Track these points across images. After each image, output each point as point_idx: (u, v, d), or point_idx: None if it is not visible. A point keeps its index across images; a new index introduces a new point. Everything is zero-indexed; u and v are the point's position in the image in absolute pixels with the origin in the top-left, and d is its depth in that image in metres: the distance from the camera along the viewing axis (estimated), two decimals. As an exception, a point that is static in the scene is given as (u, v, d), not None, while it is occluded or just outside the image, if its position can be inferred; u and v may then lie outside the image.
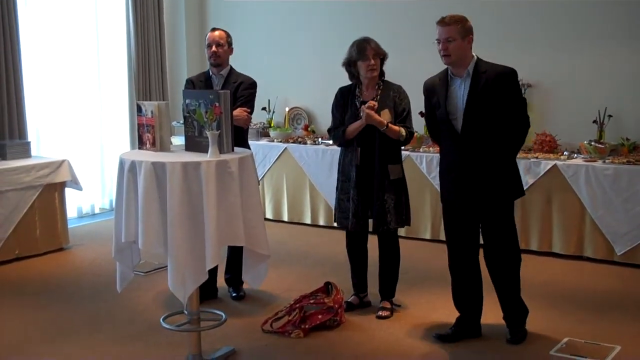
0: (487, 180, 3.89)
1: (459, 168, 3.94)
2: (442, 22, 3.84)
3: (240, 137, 4.57)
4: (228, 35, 4.73)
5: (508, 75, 3.86)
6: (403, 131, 4.30)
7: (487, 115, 3.83)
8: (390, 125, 4.25)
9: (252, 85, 4.74)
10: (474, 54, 3.90)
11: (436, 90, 3.98)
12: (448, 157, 4.03)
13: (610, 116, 5.88)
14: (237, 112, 4.52)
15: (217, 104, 3.57)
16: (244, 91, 4.67)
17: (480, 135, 3.85)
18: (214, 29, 4.75)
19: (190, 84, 4.76)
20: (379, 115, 4.25)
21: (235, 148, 3.74)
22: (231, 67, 4.77)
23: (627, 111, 5.93)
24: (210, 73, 4.75)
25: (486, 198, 3.91)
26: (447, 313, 4.41)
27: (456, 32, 3.79)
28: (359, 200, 4.37)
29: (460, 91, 3.89)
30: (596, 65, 6.06)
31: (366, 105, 4.25)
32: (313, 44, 7.46)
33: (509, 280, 4.03)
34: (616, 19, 5.95)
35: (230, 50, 4.75)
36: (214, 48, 4.65)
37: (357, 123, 4.32)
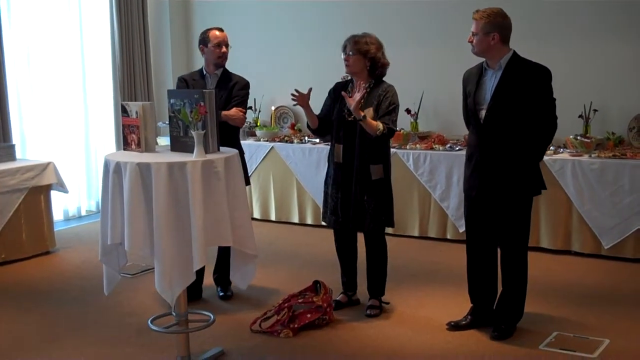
0: (505, 173, 3.90)
1: (478, 157, 3.97)
2: (474, 15, 3.88)
3: (234, 137, 4.62)
4: None
5: (540, 73, 3.86)
6: (381, 126, 4.18)
7: (511, 109, 3.84)
8: (368, 119, 4.17)
9: (246, 85, 4.73)
10: (511, 48, 3.92)
11: (470, 80, 4.04)
12: (471, 146, 4.07)
13: (595, 110, 5.91)
14: (233, 112, 4.55)
15: (202, 104, 3.55)
16: (239, 91, 4.66)
17: (502, 128, 3.87)
18: (219, 29, 4.70)
19: (184, 82, 4.71)
20: (364, 112, 4.18)
21: (222, 148, 3.73)
22: (224, 66, 4.75)
23: (613, 105, 5.95)
24: (205, 72, 4.72)
25: (502, 191, 3.92)
26: (436, 310, 4.42)
27: (479, 27, 3.84)
28: (339, 198, 4.35)
29: (490, 83, 3.92)
30: (581, 60, 6.09)
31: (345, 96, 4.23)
32: (299, 42, 7.44)
33: (515, 279, 4.03)
34: (601, 14, 5.97)
35: None
36: (224, 49, 4.64)
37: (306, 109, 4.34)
